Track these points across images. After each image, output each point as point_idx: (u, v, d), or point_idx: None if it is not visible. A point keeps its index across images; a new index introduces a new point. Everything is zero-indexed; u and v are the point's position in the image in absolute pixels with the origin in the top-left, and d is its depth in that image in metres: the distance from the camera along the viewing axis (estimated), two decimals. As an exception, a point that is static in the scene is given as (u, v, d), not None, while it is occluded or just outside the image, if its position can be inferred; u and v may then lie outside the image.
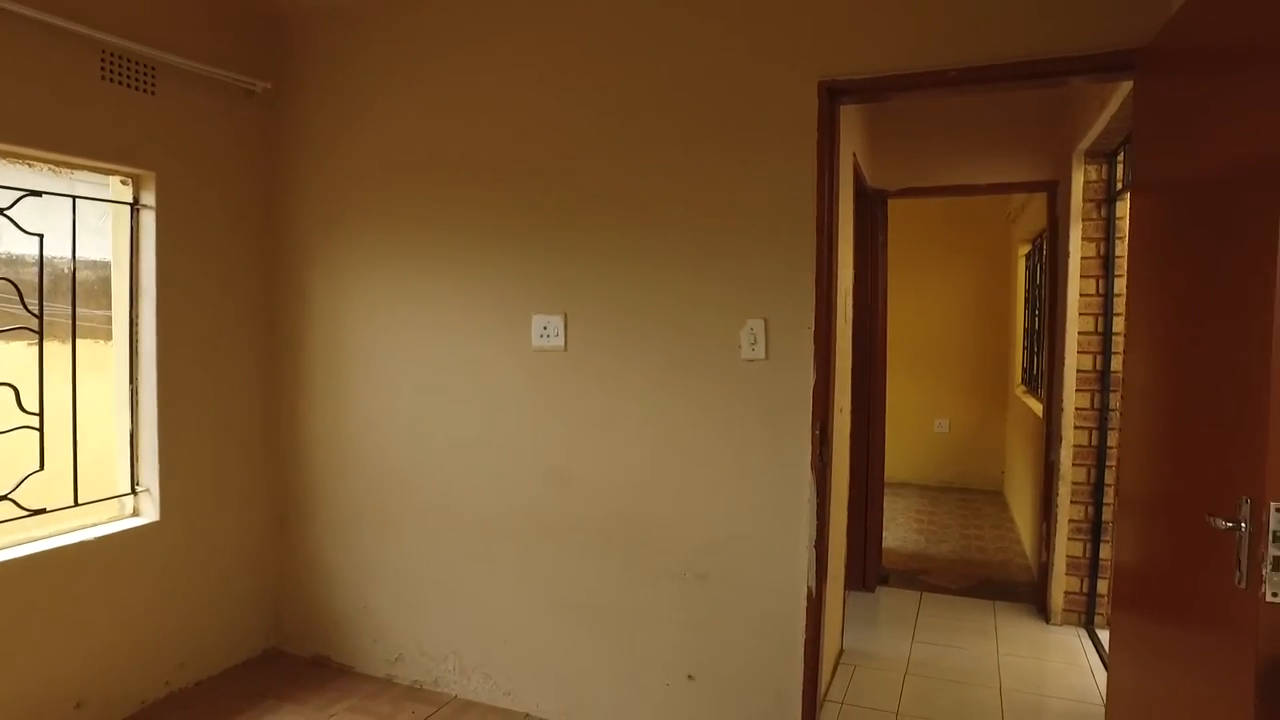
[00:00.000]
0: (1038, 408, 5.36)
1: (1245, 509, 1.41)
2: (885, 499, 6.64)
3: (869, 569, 4.47)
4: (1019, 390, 6.49)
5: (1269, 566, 1.36)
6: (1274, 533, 1.36)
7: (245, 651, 3.31)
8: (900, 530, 5.82)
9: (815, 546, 2.54)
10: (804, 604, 2.56)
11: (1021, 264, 6.59)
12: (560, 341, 2.83)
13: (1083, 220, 3.84)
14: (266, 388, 3.33)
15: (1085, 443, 3.89)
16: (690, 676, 2.73)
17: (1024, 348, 6.56)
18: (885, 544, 5.25)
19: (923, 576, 4.77)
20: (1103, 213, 3.82)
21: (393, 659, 3.19)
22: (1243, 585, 1.42)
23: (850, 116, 3.45)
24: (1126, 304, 2.27)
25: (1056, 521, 3.97)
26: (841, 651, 3.64)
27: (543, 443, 2.88)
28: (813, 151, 2.50)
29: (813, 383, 2.50)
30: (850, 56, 2.49)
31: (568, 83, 2.80)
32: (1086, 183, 3.84)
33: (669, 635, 2.75)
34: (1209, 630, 1.62)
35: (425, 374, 3.05)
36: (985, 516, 6.29)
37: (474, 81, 2.93)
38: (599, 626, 2.85)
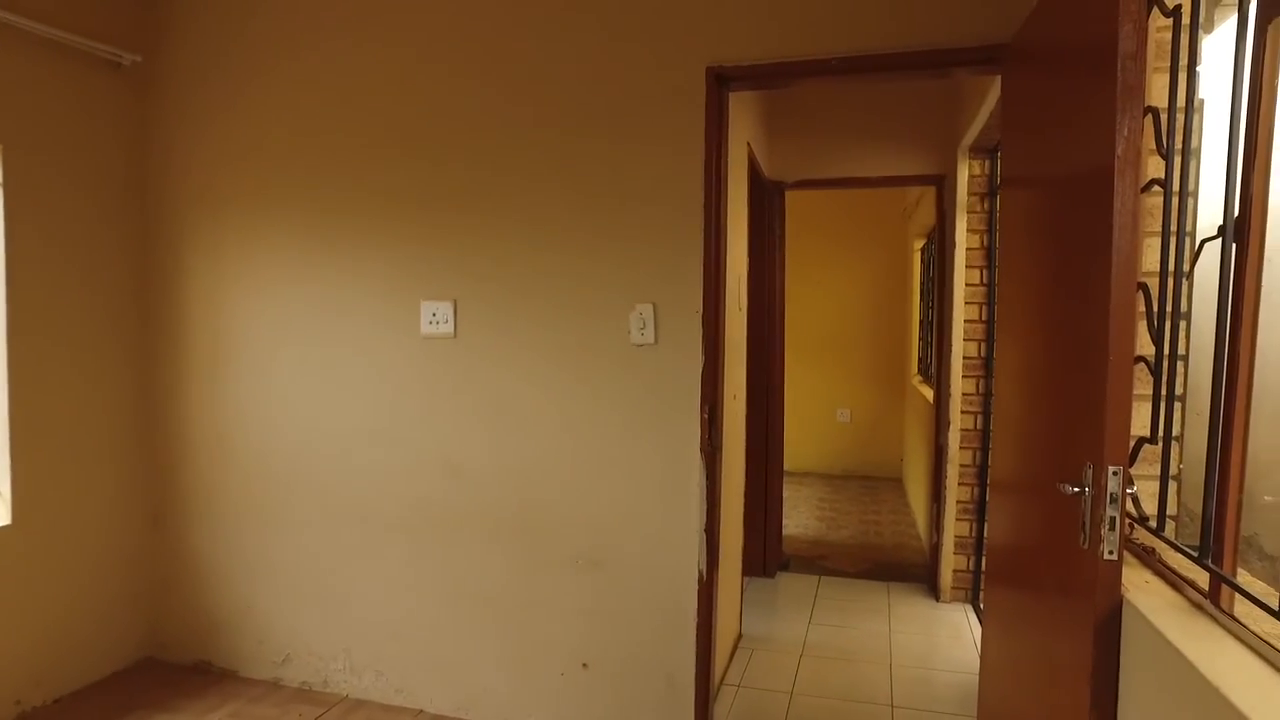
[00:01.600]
0: (929, 394, 5.55)
1: (1088, 474, 1.48)
2: (789, 489, 6.79)
3: (769, 556, 4.54)
4: (915, 379, 6.72)
5: (1106, 526, 1.43)
6: (1111, 494, 1.42)
7: (116, 662, 3.13)
8: (802, 518, 5.95)
9: (706, 530, 2.56)
10: (695, 588, 2.58)
11: (917, 257, 6.81)
12: (450, 328, 2.78)
13: (968, 213, 3.98)
14: (140, 379, 3.15)
15: (971, 426, 4.04)
16: (585, 665, 2.72)
17: (919, 338, 6.79)
18: (787, 531, 5.36)
19: (822, 561, 4.88)
20: (985, 206, 3.98)
21: (280, 660, 3.07)
22: (1085, 545, 1.49)
23: (745, 107, 3.49)
24: (997, 292, 2.36)
25: (945, 503, 4.12)
26: (740, 636, 3.69)
27: (435, 432, 2.82)
28: (700, 137, 2.52)
29: (701, 365, 2.51)
30: (738, 43, 2.51)
31: (455, 62, 2.74)
32: (971, 177, 3.99)
33: (564, 624, 2.73)
34: (1059, 592, 1.70)
35: (312, 363, 2.95)
36: (884, 502, 6.48)
37: (360, 56, 2.84)
38: (493, 618, 2.81)
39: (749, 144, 3.59)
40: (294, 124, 2.92)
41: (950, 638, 3.72)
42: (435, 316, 2.80)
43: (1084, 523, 1.50)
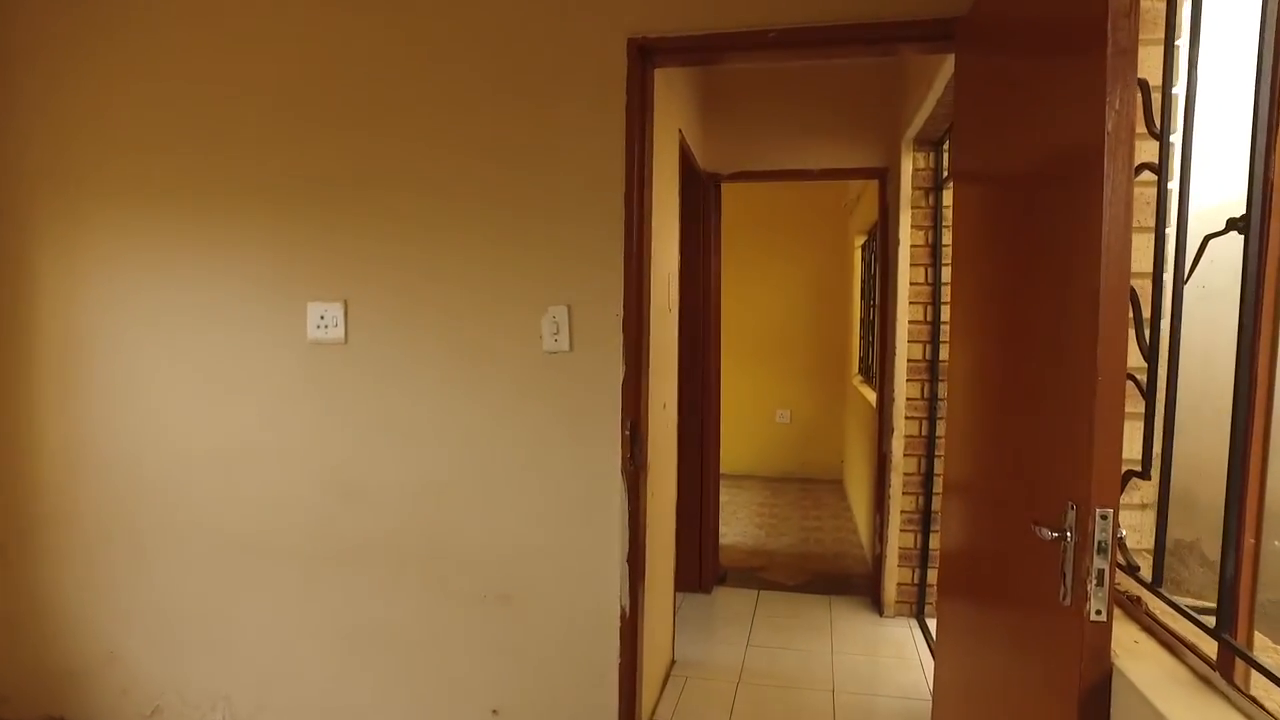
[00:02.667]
0: (873, 397, 5.37)
1: (1070, 516, 1.23)
2: (727, 493, 6.57)
3: (705, 570, 4.29)
4: (856, 379, 6.55)
5: (1094, 581, 1.19)
6: (1099, 543, 1.18)
7: (-48, 715, 2.71)
8: (740, 525, 5.72)
9: (629, 560, 2.27)
10: (618, 624, 2.29)
11: (858, 255, 6.64)
12: (340, 333, 2.44)
13: (912, 208, 3.78)
14: (-19, 390, 2.73)
15: (916, 433, 3.84)
16: (495, 711, 2.41)
17: (860, 338, 6.62)
18: (724, 540, 5.12)
19: (761, 573, 4.64)
20: (931, 201, 3.77)
21: (148, 713, 2.68)
22: (1067, 601, 1.24)
23: (676, 91, 3.21)
24: (950, 293, 2.13)
25: (889, 513, 3.92)
26: (673, 663, 3.42)
27: (327, 451, 2.48)
28: (621, 118, 2.23)
29: (622, 376, 2.22)
30: (663, 13, 2.22)
31: (348, 30, 2.39)
32: (915, 170, 3.78)
33: (471, 665, 2.42)
34: (1032, 650, 1.45)
35: (185, 372, 2.56)
36: (825, 507, 6.30)
37: (239, 14, 2.47)
38: (392, 658, 2.48)
39: (681, 132, 3.31)
40: (151, 93, 2.53)
41: (895, 658, 3.51)
42: (324, 319, 2.45)
43: (1064, 573, 1.25)
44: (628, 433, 2.22)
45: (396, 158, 2.37)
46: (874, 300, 5.72)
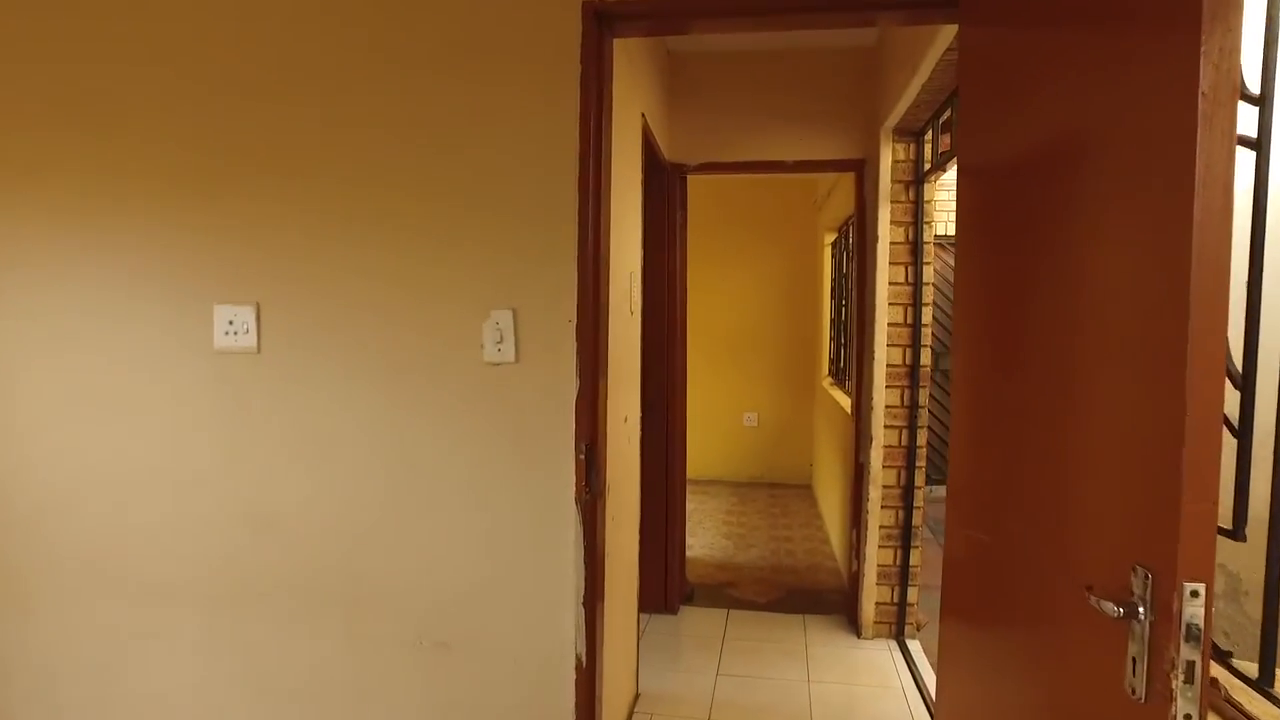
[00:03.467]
0: (844, 401, 5.13)
1: (1144, 587, 0.96)
2: (694, 500, 6.30)
3: (671, 588, 4.01)
4: (826, 382, 6.32)
5: (1180, 677, 0.91)
6: (1189, 627, 0.91)
7: None
8: (708, 535, 5.45)
9: (585, 602, 1.97)
10: (573, 675, 1.99)
11: (828, 252, 6.41)
12: (252, 340, 2.10)
13: (891, 202, 3.52)
14: None
15: (895, 442, 3.59)
16: (432, 773, 2.10)
17: (831, 339, 6.39)
18: (692, 553, 4.85)
19: (730, 590, 4.37)
20: (911, 195, 3.53)
21: (29, 776, 2.33)
22: (1140, 697, 0.97)
23: (639, 68, 2.92)
24: (955, 296, 1.86)
25: (867, 528, 3.67)
26: (637, 697, 3.13)
27: (233, 476, 2.14)
28: (575, 93, 1.92)
29: (576, 391, 1.92)
30: (623, -27, 1.93)
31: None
32: (895, 162, 3.53)
33: (405, 720, 2.11)
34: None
35: (66, 387, 2.20)
36: (794, 514, 6.05)
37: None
38: (316, 715, 2.15)
39: (644, 116, 3.01)
40: (52, 72, 2.17)
41: (877, 686, 3.26)
42: (233, 325, 2.11)
43: (1133, 661, 0.98)
44: (583, 457, 1.92)
45: (318, 140, 2.04)
46: (846, 300, 5.49)
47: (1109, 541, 1.07)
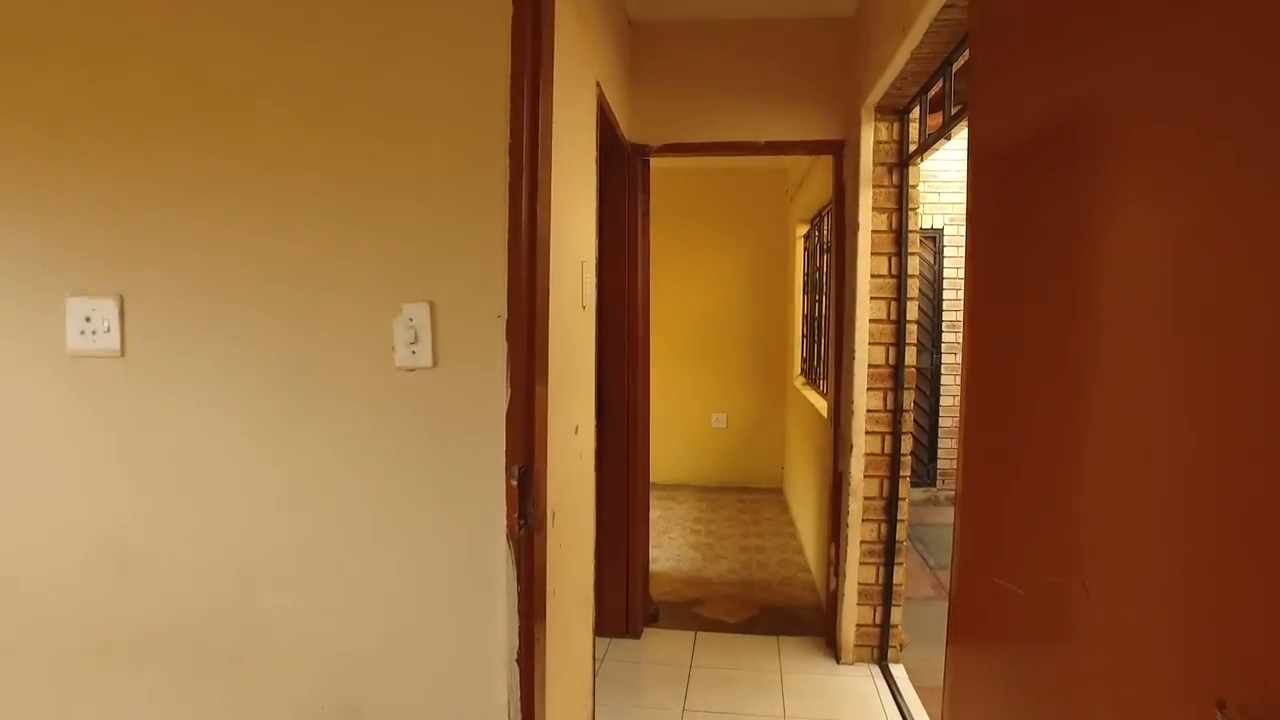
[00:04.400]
0: (818, 402, 4.83)
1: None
2: (659, 507, 5.96)
3: (633, 610, 3.66)
4: (798, 382, 6.02)
5: None
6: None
7: None
8: (674, 546, 5.11)
9: (519, 659, 1.62)
10: (505, 746, 1.64)
11: (800, 245, 6.11)
12: (114, 341, 1.71)
13: (873, 187, 3.21)
14: None
15: (878, 450, 3.28)
16: None
17: (803, 337, 6.09)
18: (657, 567, 4.52)
19: (698, 609, 4.04)
20: (895, 179, 3.21)
21: None
22: None
23: (593, 29, 2.56)
24: (967, 294, 1.54)
25: (846, 543, 3.35)
26: (592, 740, 2.78)
27: (92, 506, 1.75)
28: (506, 39, 1.56)
29: (507, 402, 1.57)
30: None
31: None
32: (877, 143, 3.22)
33: (305, 799, 1.74)
34: None
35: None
36: (766, 521, 5.75)
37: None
38: (197, 791, 1.78)
39: (599, 86, 2.66)
40: None
41: (860, 718, 2.95)
42: (90, 322, 1.73)
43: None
44: (515, 483, 1.57)
45: (190, 97, 1.66)
46: (819, 295, 5.19)
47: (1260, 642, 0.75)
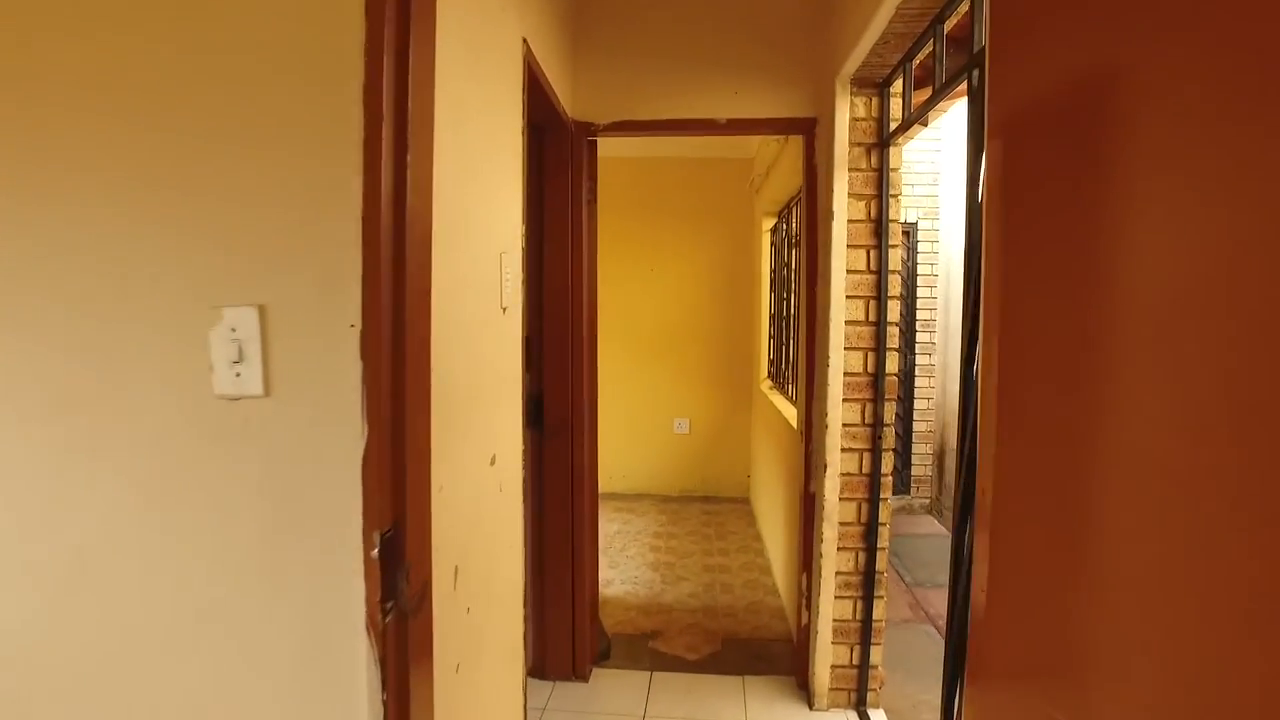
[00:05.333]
0: (787, 409, 4.44)
1: None
2: (617, 519, 5.55)
3: (581, 650, 3.24)
4: (765, 385, 5.64)
5: None
6: None
7: None
8: (631, 565, 4.70)
9: (388, 791, 1.19)
10: None
11: (766, 239, 5.73)
12: None
13: (849, 170, 2.82)
14: None
15: (855, 469, 2.90)
16: None
17: (770, 337, 5.72)
18: (610, 590, 4.11)
19: (655, 642, 3.63)
20: (875, 160, 2.83)
21: None
22: None
23: (515, -26, 2.13)
24: (990, 289, 1.14)
25: (819, 574, 2.96)
26: (524, 820, 2.36)
27: None
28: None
29: (364, 442, 1.14)
30: None
31: None
32: (854, 120, 2.82)
33: None
34: None
35: None
36: (731, 535, 5.35)
37: None
38: None
39: (527, 44, 2.24)
40: None
41: (835, 788, 2.56)
42: None
43: None
44: (376, 552, 1.14)
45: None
46: (789, 293, 4.81)
47: None
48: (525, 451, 3.03)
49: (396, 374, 1.16)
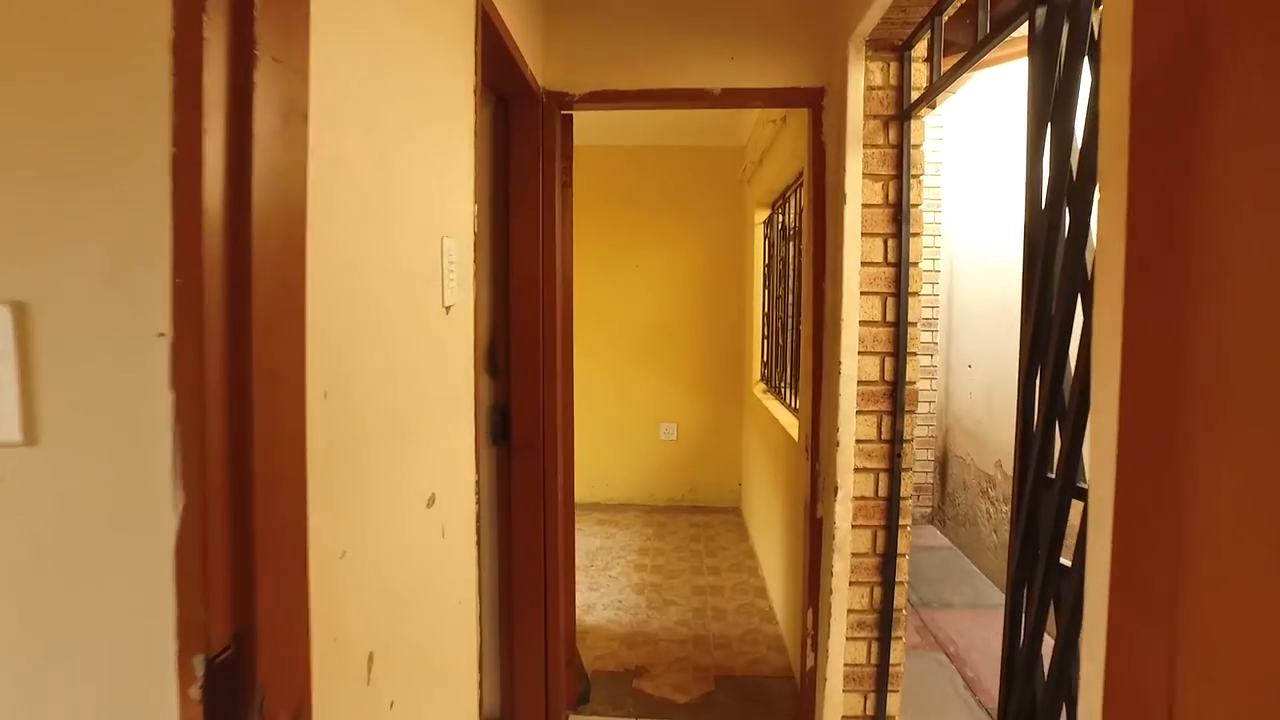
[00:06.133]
0: (784, 416, 4.06)
1: None
2: (600, 534, 5.14)
3: (554, 694, 2.84)
4: (758, 389, 5.26)
5: None
6: None
7: None
8: (614, 587, 4.30)
9: None
10: None
11: (759, 233, 5.34)
12: None
13: (864, 147, 2.43)
14: None
15: (871, 492, 2.51)
16: None
17: (764, 337, 5.33)
18: (592, 617, 3.72)
19: (640, 680, 3.24)
20: (894, 136, 2.44)
21: None
22: None
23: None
24: (1117, 286, 0.75)
25: (827, 610, 2.58)
26: None
27: None
28: None
29: (178, 519, 0.73)
30: None
31: None
32: (869, 89, 2.43)
33: None
34: None
35: None
36: (722, 550, 4.96)
37: None
38: None
39: (485, -15, 1.83)
40: None
41: None
42: None
43: None
44: (198, 689, 0.73)
45: None
46: (785, 290, 4.42)
47: None
48: (489, 474, 2.63)
49: (238, 408, 0.75)
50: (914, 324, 2.46)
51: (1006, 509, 4.49)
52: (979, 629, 4.00)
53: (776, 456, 4.09)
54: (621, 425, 5.92)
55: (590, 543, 5.06)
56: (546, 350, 2.69)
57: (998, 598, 4.43)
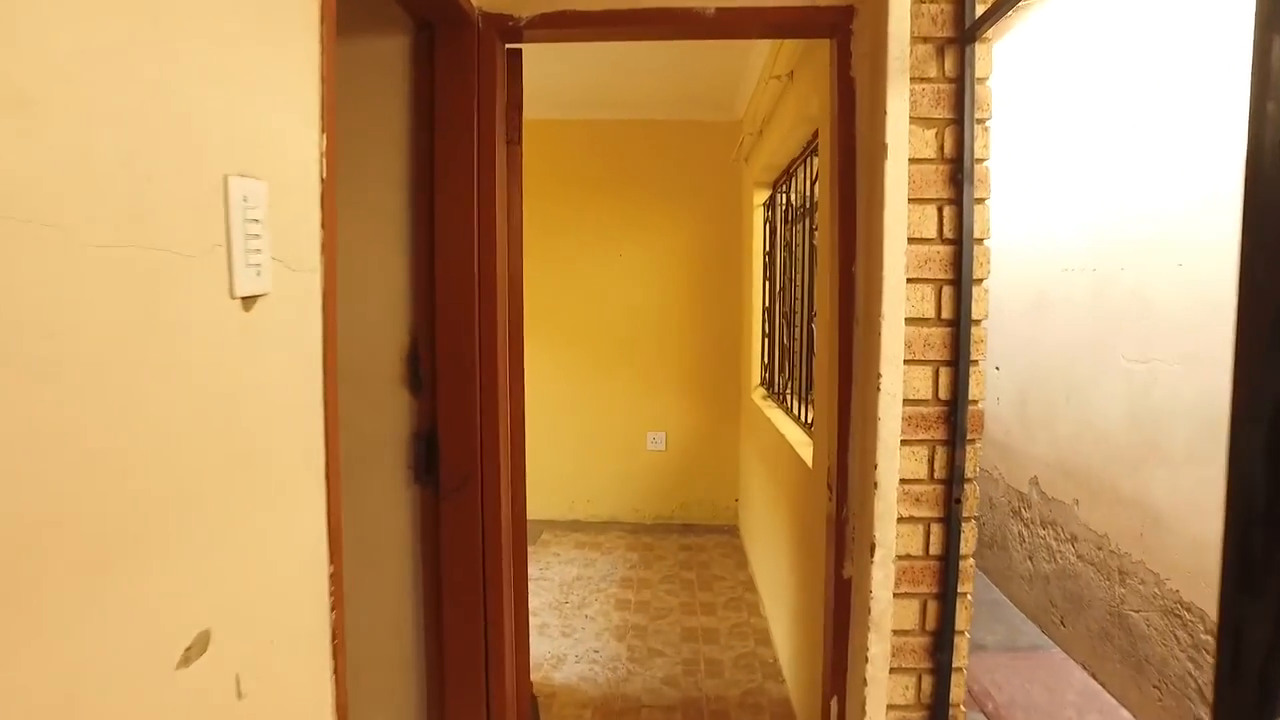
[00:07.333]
0: (790, 429, 3.43)
1: None
2: (579, 558, 4.43)
3: (501, 808, 2.19)
4: (758, 395, 4.62)
5: None
6: None
7: None
8: (591, 631, 3.65)
9: None
10: None
11: (759, 216, 4.68)
12: None
13: (915, 82, 1.78)
14: None
15: (920, 550, 1.86)
16: None
17: (764, 336, 4.68)
18: (561, 674, 3.09)
19: (615, 768, 2.59)
20: (949, 67, 1.79)
21: None
22: None
23: None
24: None
25: (865, 706, 1.93)
26: None
27: None
28: None
29: None
30: None
31: None
32: (917, 5, 1.78)
33: None
34: None
35: None
36: (718, 582, 4.31)
37: None
38: None
39: None
40: None
41: None
42: None
43: None
44: None
45: None
46: (787, 281, 3.78)
47: None
48: (408, 524, 1.98)
49: None
50: (978, 322, 1.81)
51: (1043, 533, 3.87)
52: (1018, 678, 3.37)
53: (780, 477, 3.44)
54: (604, 434, 5.27)
55: (566, 572, 4.41)
56: (486, 356, 2.03)
57: (1035, 636, 3.81)
